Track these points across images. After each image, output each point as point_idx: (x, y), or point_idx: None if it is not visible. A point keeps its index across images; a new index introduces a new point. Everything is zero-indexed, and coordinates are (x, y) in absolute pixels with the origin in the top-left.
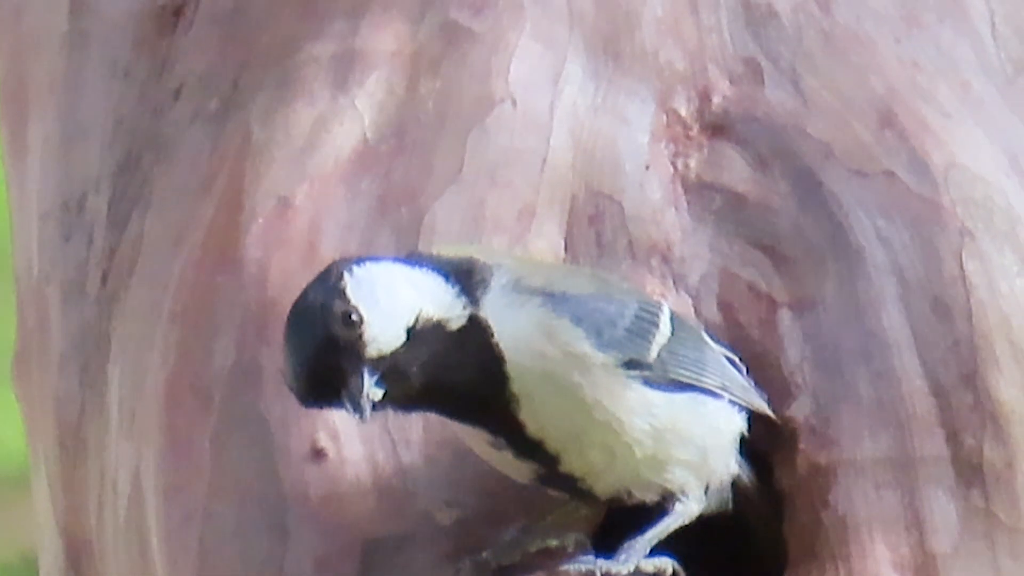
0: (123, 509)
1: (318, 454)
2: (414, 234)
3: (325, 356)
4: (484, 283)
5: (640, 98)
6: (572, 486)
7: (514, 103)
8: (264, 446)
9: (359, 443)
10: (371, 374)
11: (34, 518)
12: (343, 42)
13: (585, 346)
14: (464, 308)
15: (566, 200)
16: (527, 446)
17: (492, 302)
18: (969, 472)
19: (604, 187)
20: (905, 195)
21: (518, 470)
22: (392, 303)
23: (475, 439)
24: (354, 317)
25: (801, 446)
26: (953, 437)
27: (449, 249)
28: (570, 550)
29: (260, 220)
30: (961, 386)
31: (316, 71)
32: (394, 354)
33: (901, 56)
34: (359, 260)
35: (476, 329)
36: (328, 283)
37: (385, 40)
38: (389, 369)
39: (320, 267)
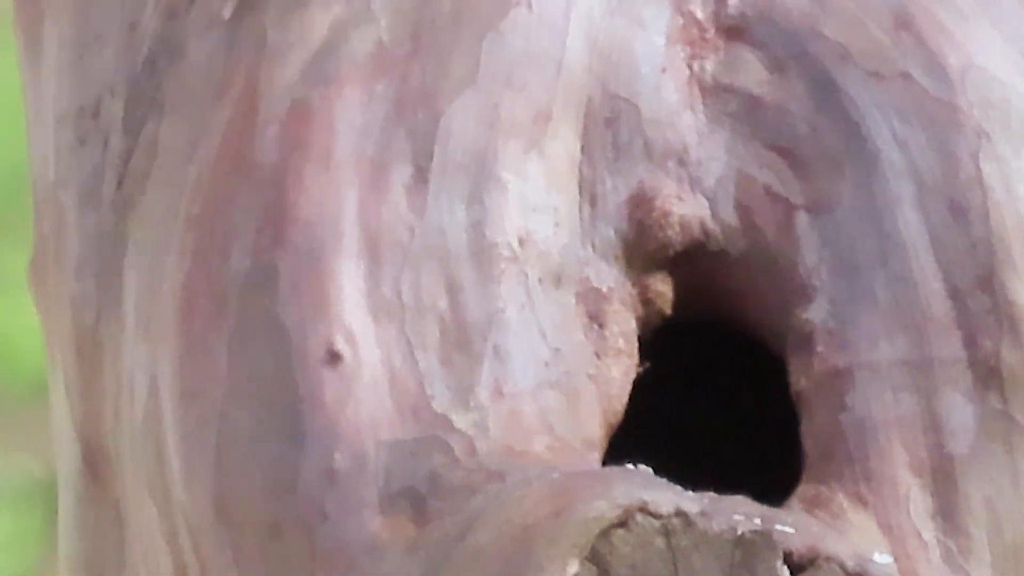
0: (139, 413)
1: (334, 357)
2: (430, 137)
3: None
4: None
5: (656, 0)
6: None
7: (530, 6)
8: (280, 350)
9: (375, 346)
10: None
11: (51, 426)
12: None
13: None
14: None
15: (582, 103)
16: None
17: None
18: (986, 374)
19: (620, 90)
20: (922, 97)
21: None
22: None
23: None
24: None
25: (818, 349)
26: (970, 339)
27: None
28: None
29: (276, 124)
30: (978, 288)
31: None
32: None
33: None
34: None
35: None
36: None
37: None
38: None
39: (337, 170)
